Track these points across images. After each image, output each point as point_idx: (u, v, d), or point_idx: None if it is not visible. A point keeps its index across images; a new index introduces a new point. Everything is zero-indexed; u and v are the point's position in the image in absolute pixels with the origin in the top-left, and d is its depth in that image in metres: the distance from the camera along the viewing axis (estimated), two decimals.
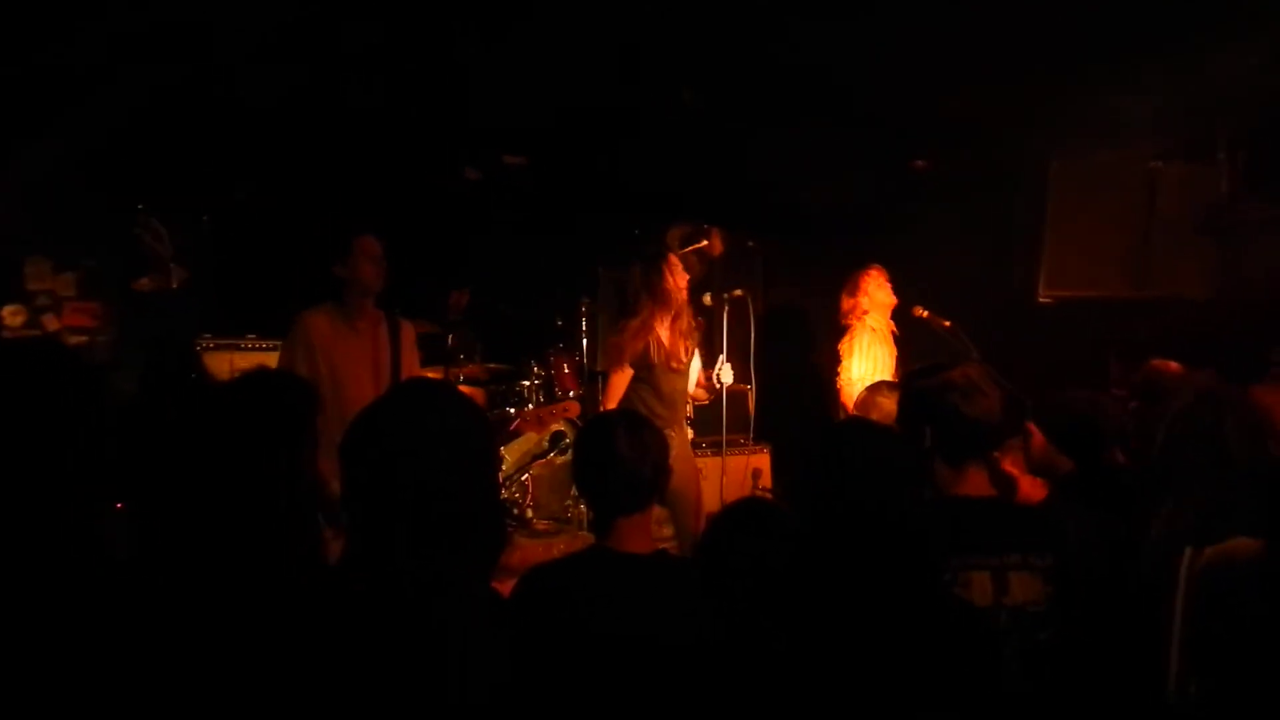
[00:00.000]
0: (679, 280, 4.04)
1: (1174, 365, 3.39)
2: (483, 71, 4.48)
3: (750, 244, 6.41)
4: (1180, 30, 3.65)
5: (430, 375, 5.69)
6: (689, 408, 4.52)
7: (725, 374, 4.12)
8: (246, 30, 3.67)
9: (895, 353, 4.80)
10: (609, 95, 4.77)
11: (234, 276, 5.95)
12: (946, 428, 2.07)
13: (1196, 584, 1.86)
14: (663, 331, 3.98)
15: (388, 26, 3.99)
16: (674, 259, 4.08)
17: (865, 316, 4.75)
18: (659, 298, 4.00)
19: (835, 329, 4.95)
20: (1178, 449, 1.95)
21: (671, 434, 4.10)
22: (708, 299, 4.19)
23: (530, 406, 5.79)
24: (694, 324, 4.06)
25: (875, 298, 4.75)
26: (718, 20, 3.93)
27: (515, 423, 4.74)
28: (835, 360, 4.81)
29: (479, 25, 4.00)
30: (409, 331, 3.79)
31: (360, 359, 3.53)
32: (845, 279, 4.91)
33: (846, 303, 4.81)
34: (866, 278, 4.79)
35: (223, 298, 5.92)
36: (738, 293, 4.14)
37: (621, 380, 4.02)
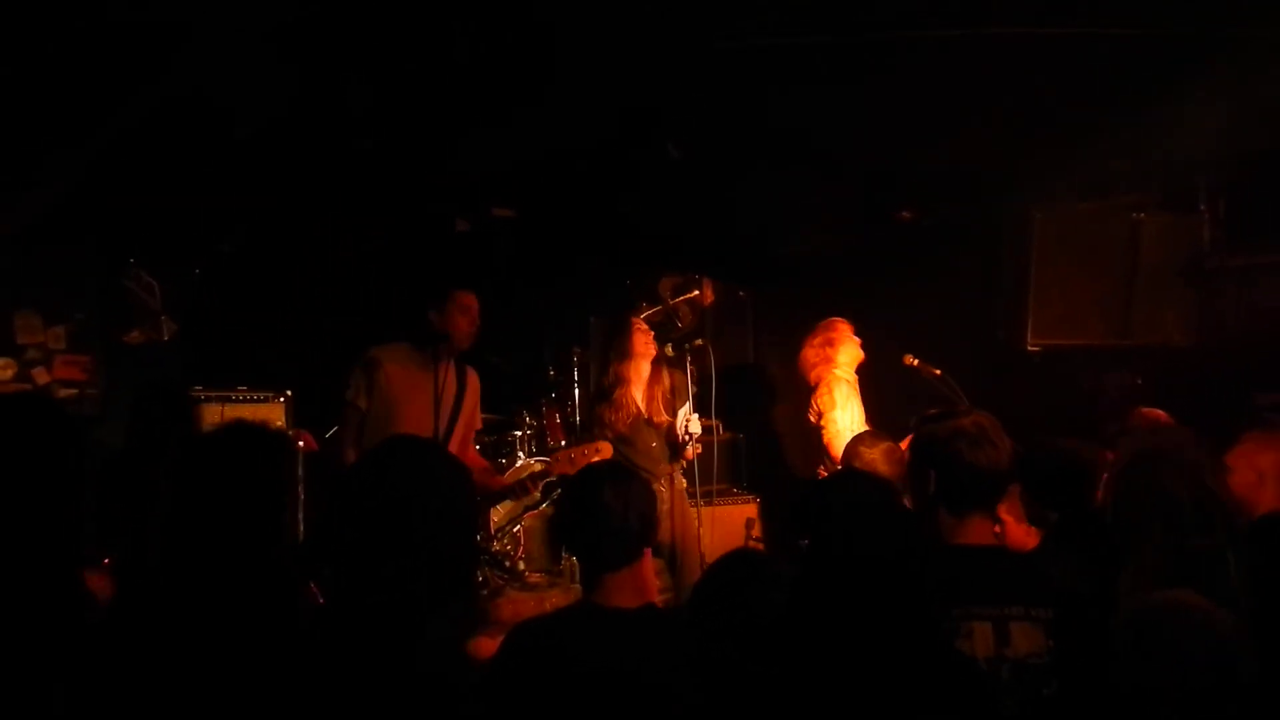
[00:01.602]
0: (644, 338, 4.10)
1: (1160, 414, 3.39)
2: (474, 126, 4.53)
3: (740, 294, 6.44)
4: (1160, 85, 3.72)
5: None
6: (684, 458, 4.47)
7: (694, 425, 4.13)
8: (235, 73, 3.69)
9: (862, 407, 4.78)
10: (601, 149, 4.83)
11: (225, 328, 5.94)
12: (951, 475, 2.06)
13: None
14: (636, 390, 4.03)
15: (380, 80, 4.04)
16: (635, 321, 4.14)
17: (836, 369, 4.72)
18: (624, 357, 4.03)
19: (804, 384, 4.90)
20: (1123, 505, 1.95)
21: (658, 488, 4.08)
22: (669, 349, 4.20)
23: (563, 444, 5.71)
24: (671, 378, 4.08)
25: (846, 350, 4.73)
26: (706, 82, 4.00)
27: (550, 464, 4.70)
28: (816, 413, 4.76)
29: (471, 83, 4.05)
30: (474, 380, 3.81)
31: (423, 398, 3.53)
32: (808, 333, 4.84)
33: (816, 354, 4.76)
34: (837, 330, 4.76)
35: (213, 350, 5.90)
36: (698, 342, 4.16)
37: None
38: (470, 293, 3.60)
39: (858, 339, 4.77)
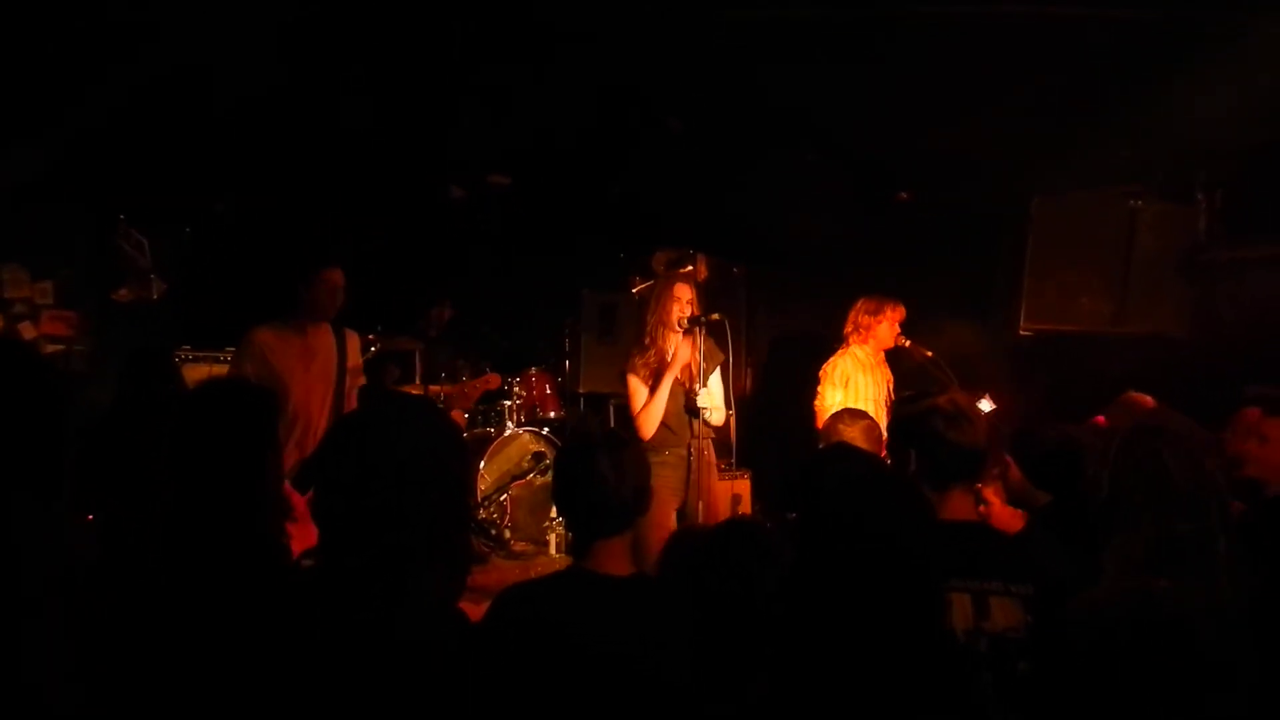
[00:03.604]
0: (678, 307, 4.09)
1: (1148, 399, 3.40)
2: (472, 95, 4.49)
3: (734, 270, 6.43)
4: (1160, 74, 3.70)
5: (410, 392, 5.66)
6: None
7: (705, 399, 4.11)
8: (233, 40, 3.66)
9: (889, 380, 4.79)
10: (598, 122, 4.79)
11: (214, 289, 5.91)
12: (930, 452, 2.09)
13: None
14: (667, 353, 4.04)
15: (379, 46, 3.99)
16: (677, 288, 4.12)
17: (859, 345, 4.74)
18: (659, 322, 4.10)
19: (818, 353, 4.93)
20: (1119, 481, 1.96)
21: (679, 454, 4.06)
22: (714, 316, 4.19)
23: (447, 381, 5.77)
24: (702, 350, 4.07)
25: (881, 331, 4.74)
26: (706, 57, 3.97)
27: (448, 399, 4.87)
28: (814, 385, 4.79)
29: (471, 52, 4.01)
30: (354, 340, 3.98)
31: (301, 367, 3.75)
32: (868, 296, 4.82)
33: (863, 319, 4.75)
34: (893, 309, 4.75)
35: (203, 310, 5.87)
36: (715, 316, 4.11)
37: (640, 386, 4.06)
38: (338, 270, 3.77)
39: (902, 335, 4.75)
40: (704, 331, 4.06)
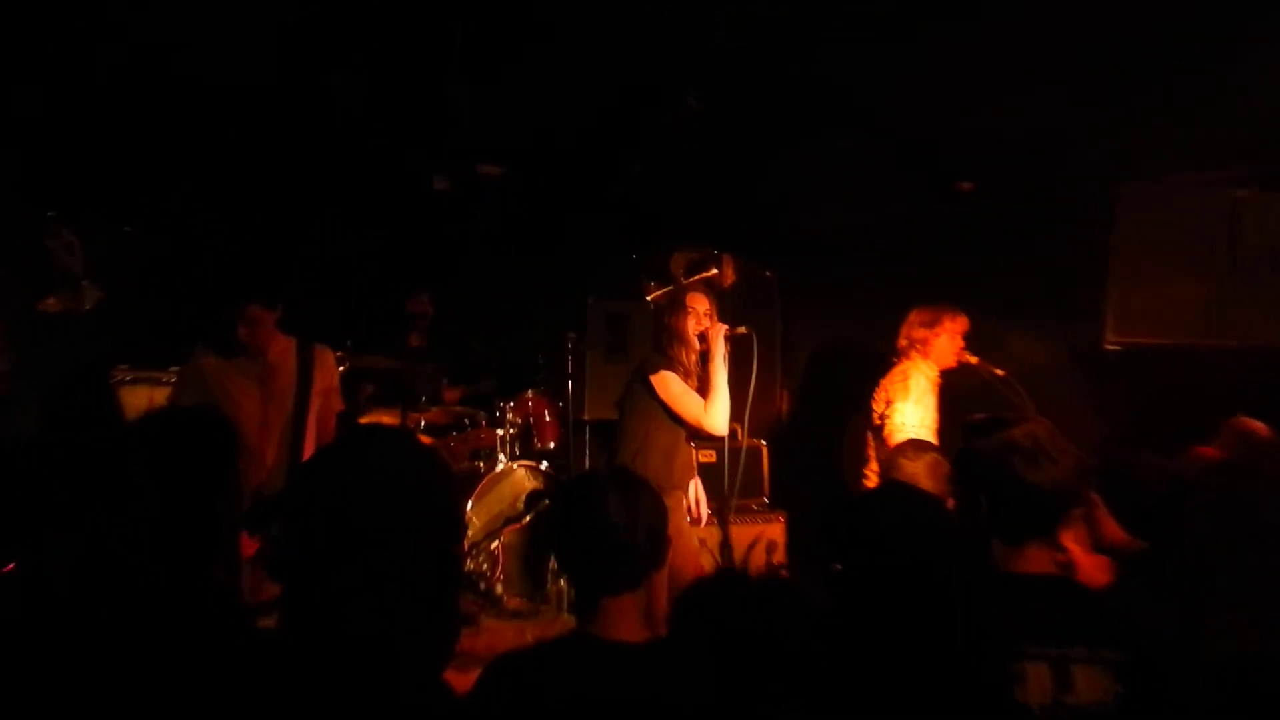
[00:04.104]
0: (694, 322, 4.13)
1: (1260, 426, 3.38)
2: (462, 68, 4.50)
3: (767, 274, 6.43)
4: (1273, 37, 3.67)
5: (385, 420, 5.67)
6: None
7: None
8: (185, 9, 3.69)
9: (938, 407, 4.78)
10: (605, 100, 4.79)
11: (160, 298, 5.93)
12: (1004, 496, 2.05)
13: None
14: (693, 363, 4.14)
15: (351, 13, 4.01)
16: (691, 298, 4.18)
17: (921, 358, 4.73)
18: (674, 339, 4.15)
19: (873, 366, 4.92)
20: (1211, 529, 1.93)
21: (679, 494, 4.11)
22: (741, 329, 4.23)
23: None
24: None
25: (940, 346, 4.73)
26: (731, 26, 3.96)
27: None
28: (878, 399, 4.76)
29: (464, 17, 4.02)
30: (326, 359, 3.98)
31: (250, 389, 3.77)
32: (922, 306, 4.85)
33: (918, 332, 4.77)
34: (951, 320, 4.76)
35: (146, 322, 5.89)
36: (741, 329, 4.14)
37: (685, 384, 4.09)
38: (262, 309, 3.78)
39: (966, 350, 4.76)
40: (729, 347, 4.08)
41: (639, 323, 6.08)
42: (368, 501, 1.49)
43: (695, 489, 4.44)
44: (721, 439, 4.25)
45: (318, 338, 4.00)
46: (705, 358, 4.13)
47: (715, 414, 4.03)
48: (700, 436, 4.25)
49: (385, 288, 6.51)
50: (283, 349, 3.86)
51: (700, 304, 4.19)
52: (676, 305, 4.21)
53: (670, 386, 4.06)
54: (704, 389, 4.08)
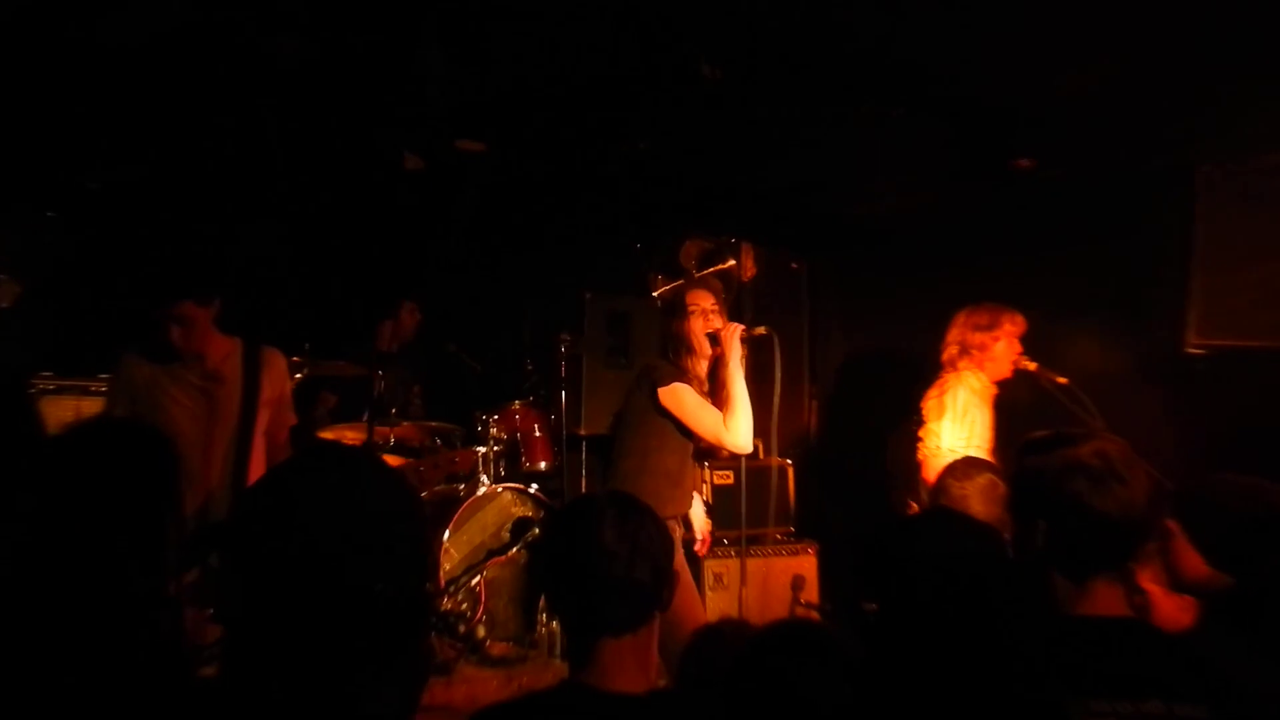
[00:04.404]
0: (705, 320, 4.12)
1: None
2: (436, 24, 4.51)
3: (793, 265, 6.44)
4: None
5: (349, 439, 5.68)
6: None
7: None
8: None
9: (993, 422, 4.79)
10: (604, 64, 4.80)
11: (87, 294, 5.95)
12: (1067, 525, 2.06)
13: None
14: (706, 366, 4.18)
15: None
16: (692, 296, 4.21)
17: (968, 371, 4.74)
18: (681, 346, 4.19)
19: (909, 379, 4.93)
20: None
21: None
22: (760, 329, 4.26)
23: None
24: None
25: (997, 352, 4.75)
26: None
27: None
28: (913, 418, 4.80)
29: None
30: (276, 364, 4.00)
31: (186, 400, 3.78)
32: (974, 306, 4.88)
33: (973, 336, 4.80)
34: (1011, 321, 4.79)
35: (71, 323, 5.91)
36: (760, 329, 4.15)
37: (699, 396, 4.11)
38: (192, 303, 3.78)
39: (1025, 356, 4.78)
40: (746, 351, 4.10)
41: (643, 322, 6.09)
42: (322, 533, 1.49)
43: (699, 514, 4.44)
44: (742, 457, 4.26)
45: (267, 340, 4.00)
46: (720, 364, 4.14)
47: (737, 428, 4.05)
48: (714, 456, 4.27)
49: (348, 282, 6.53)
50: (225, 353, 3.87)
51: (703, 301, 4.20)
52: (677, 308, 4.24)
53: (684, 400, 4.08)
54: (720, 400, 4.09)
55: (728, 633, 2.40)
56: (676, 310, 4.24)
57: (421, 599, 1.68)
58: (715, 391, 4.16)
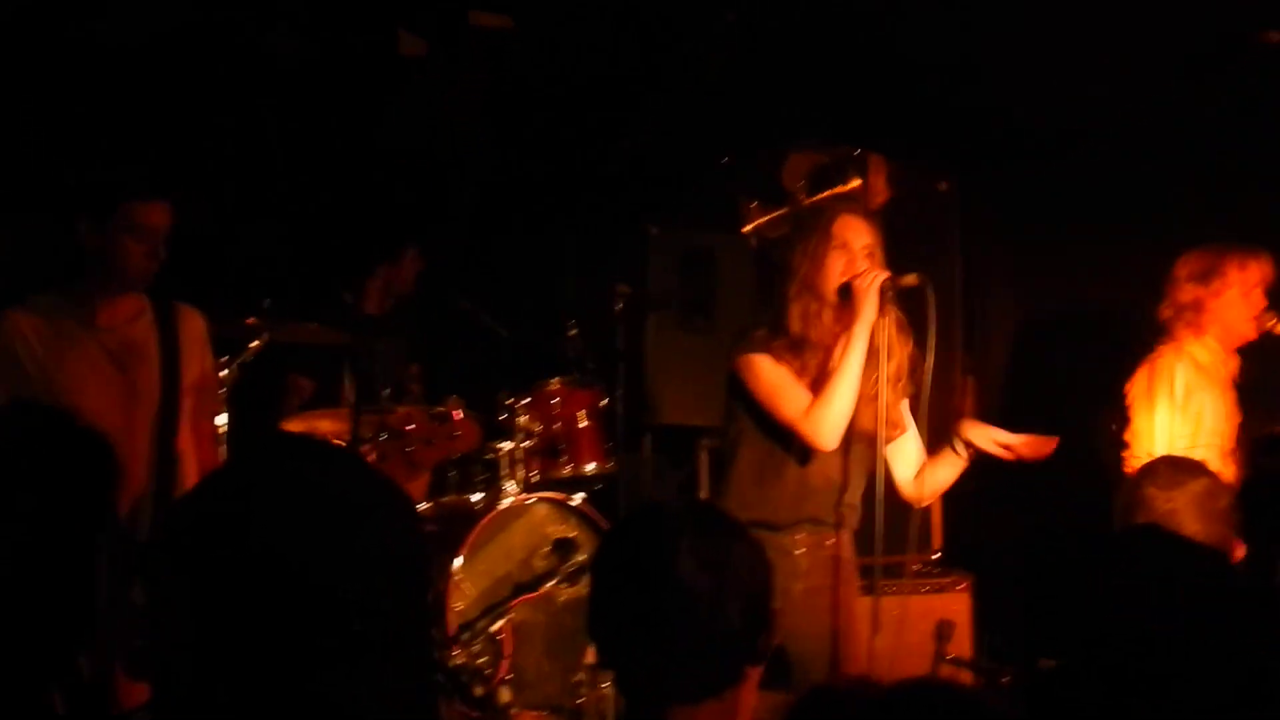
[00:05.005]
0: (850, 261, 4.12)
1: None
2: None
3: (940, 186, 6.41)
4: None
5: (324, 431, 5.74)
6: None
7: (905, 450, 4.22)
8: None
9: (1235, 410, 4.76)
10: None
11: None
12: None
13: None
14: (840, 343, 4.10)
15: None
16: (844, 223, 4.18)
17: (1190, 340, 4.71)
18: (811, 286, 4.15)
19: (1109, 350, 4.90)
20: None
21: (805, 547, 4.15)
22: (911, 279, 4.22)
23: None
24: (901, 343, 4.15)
25: (1228, 309, 4.71)
26: None
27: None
28: (1116, 410, 4.79)
29: None
30: (194, 325, 4.15)
31: (100, 377, 3.90)
32: (1197, 251, 4.88)
33: (1187, 292, 4.80)
34: (1240, 267, 4.75)
35: None
36: (910, 278, 4.11)
37: (783, 369, 4.13)
38: (155, 203, 3.90)
39: (1272, 314, 4.77)
40: (889, 310, 4.09)
41: (732, 266, 6.10)
42: (283, 561, 1.51)
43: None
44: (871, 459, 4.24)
45: (187, 296, 4.14)
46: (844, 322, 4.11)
47: (823, 417, 4.06)
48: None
49: (323, 214, 6.58)
50: (129, 312, 4.00)
51: (858, 236, 4.16)
52: (814, 233, 4.21)
53: (761, 373, 4.12)
54: (819, 377, 4.07)
55: (846, 695, 2.41)
56: (811, 235, 4.22)
57: (422, 643, 1.70)
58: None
